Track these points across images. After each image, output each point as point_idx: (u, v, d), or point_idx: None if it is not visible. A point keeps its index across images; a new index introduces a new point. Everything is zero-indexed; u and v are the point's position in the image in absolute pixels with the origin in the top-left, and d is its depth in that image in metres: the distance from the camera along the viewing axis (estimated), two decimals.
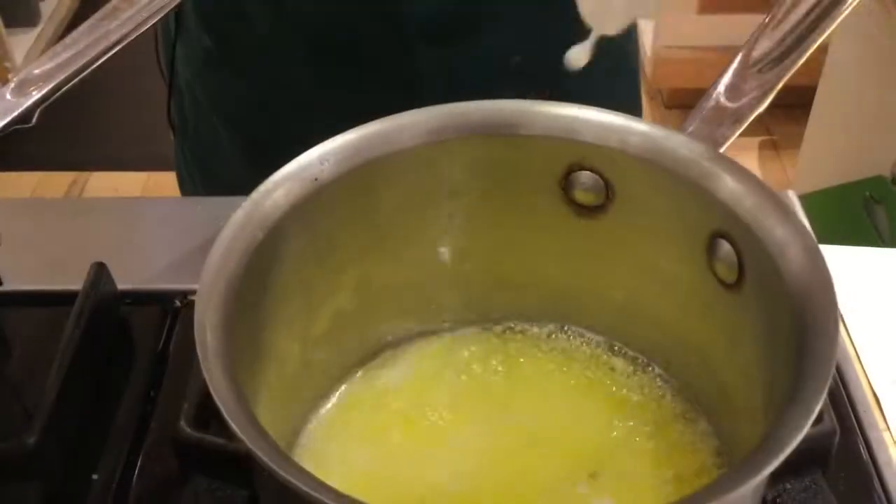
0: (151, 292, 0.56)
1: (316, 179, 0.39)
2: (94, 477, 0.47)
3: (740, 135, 0.42)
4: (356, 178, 0.40)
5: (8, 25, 2.06)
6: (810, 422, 0.31)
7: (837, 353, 0.33)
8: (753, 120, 0.43)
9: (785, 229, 0.37)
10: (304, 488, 0.30)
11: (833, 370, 0.32)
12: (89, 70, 0.46)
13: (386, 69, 0.64)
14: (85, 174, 1.96)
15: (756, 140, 1.98)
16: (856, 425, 0.50)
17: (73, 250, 0.59)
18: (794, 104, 1.68)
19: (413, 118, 0.41)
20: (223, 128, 0.71)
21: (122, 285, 0.56)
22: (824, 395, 0.32)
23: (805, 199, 0.63)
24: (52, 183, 1.93)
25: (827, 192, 1.33)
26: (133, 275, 0.57)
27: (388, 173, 0.42)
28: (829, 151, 1.50)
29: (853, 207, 1.27)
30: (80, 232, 0.61)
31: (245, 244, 0.37)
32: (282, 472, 0.30)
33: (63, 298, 0.51)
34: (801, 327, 0.34)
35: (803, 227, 0.37)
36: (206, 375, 0.32)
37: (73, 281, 0.52)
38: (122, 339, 0.54)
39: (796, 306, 0.34)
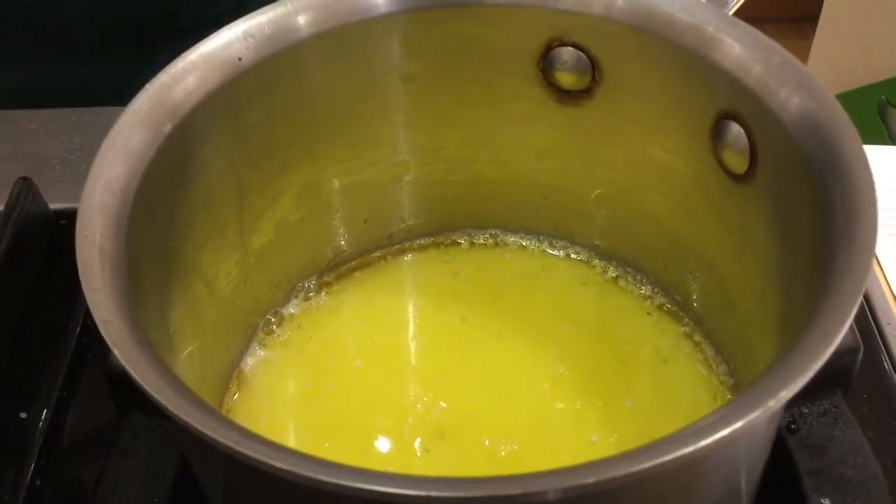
0: None
1: (240, 59, 0.33)
2: (23, 415, 0.42)
3: None
4: (289, 58, 0.34)
5: None
6: (846, 327, 0.25)
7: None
8: None
9: (803, 97, 0.30)
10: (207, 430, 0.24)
11: (873, 263, 0.26)
12: None
13: None
14: None
15: None
16: (880, 342, 0.45)
17: None
18: (803, 17, 1.61)
19: None
20: None
21: (55, 204, 0.50)
22: (862, 294, 0.25)
23: None
24: None
25: (838, 97, 1.27)
26: (68, 193, 0.51)
27: (325, 54, 0.35)
28: (840, 59, 1.43)
29: (866, 112, 1.22)
30: (4, 147, 0.55)
31: (148, 139, 0.30)
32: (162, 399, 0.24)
33: None
34: (829, 216, 0.27)
35: (827, 93, 0.30)
36: (88, 301, 0.26)
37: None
38: (57, 264, 0.49)
39: (821, 191, 0.28)
